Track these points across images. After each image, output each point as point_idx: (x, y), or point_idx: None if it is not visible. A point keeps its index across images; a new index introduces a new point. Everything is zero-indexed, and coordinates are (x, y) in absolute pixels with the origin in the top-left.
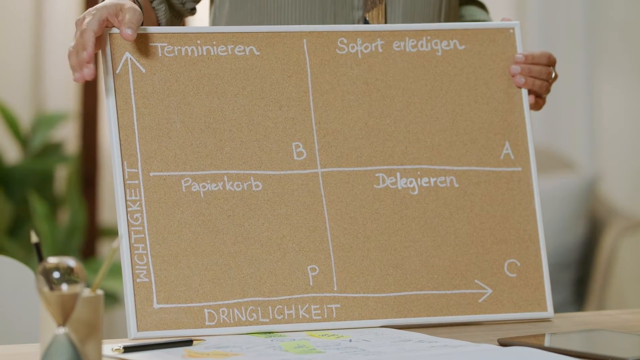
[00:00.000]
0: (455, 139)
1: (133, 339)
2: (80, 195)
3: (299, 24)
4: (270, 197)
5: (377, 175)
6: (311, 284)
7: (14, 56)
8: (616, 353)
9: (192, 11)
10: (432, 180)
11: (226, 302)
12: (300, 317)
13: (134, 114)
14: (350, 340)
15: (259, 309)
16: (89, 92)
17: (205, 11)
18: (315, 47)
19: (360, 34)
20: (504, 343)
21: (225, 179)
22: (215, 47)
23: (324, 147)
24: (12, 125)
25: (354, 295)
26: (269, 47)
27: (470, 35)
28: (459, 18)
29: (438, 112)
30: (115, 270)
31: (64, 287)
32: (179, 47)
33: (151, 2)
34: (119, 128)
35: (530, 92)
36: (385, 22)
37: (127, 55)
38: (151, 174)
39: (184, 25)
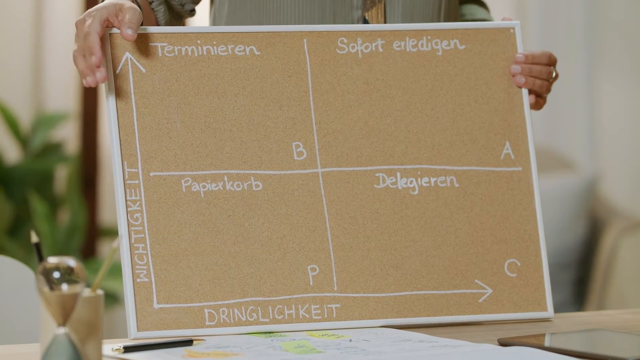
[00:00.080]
0: (455, 138)
1: (133, 339)
2: (81, 195)
3: (298, 23)
4: (270, 197)
5: (377, 175)
6: (311, 283)
7: (14, 56)
8: (616, 353)
9: (192, 12)
10: (433, 180)
11: (226, 302)
12: (301, 317)
13: (134, 113)
14: (351, 340)
15: (259, 308)
16: (89, 92)
17: (205, 12)
18: (316, 47)
19: (361, 34)
20: (504, 343)
21: (226, 178)
22: (215, 47)
23: (324, 146)
24: (12, 125)
25: (354, 295)
26: (269, 47)
27: (471, 35)
28: (460, 17)
29: (438, 112)
30: (115, 270)
31: (64, 287)
32: (179, 47)
33: (150, 3)
34: (119, 128)
35: (530, 91)
36: (385, 21)
37: (127, 55)
38: (151, 173)
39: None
